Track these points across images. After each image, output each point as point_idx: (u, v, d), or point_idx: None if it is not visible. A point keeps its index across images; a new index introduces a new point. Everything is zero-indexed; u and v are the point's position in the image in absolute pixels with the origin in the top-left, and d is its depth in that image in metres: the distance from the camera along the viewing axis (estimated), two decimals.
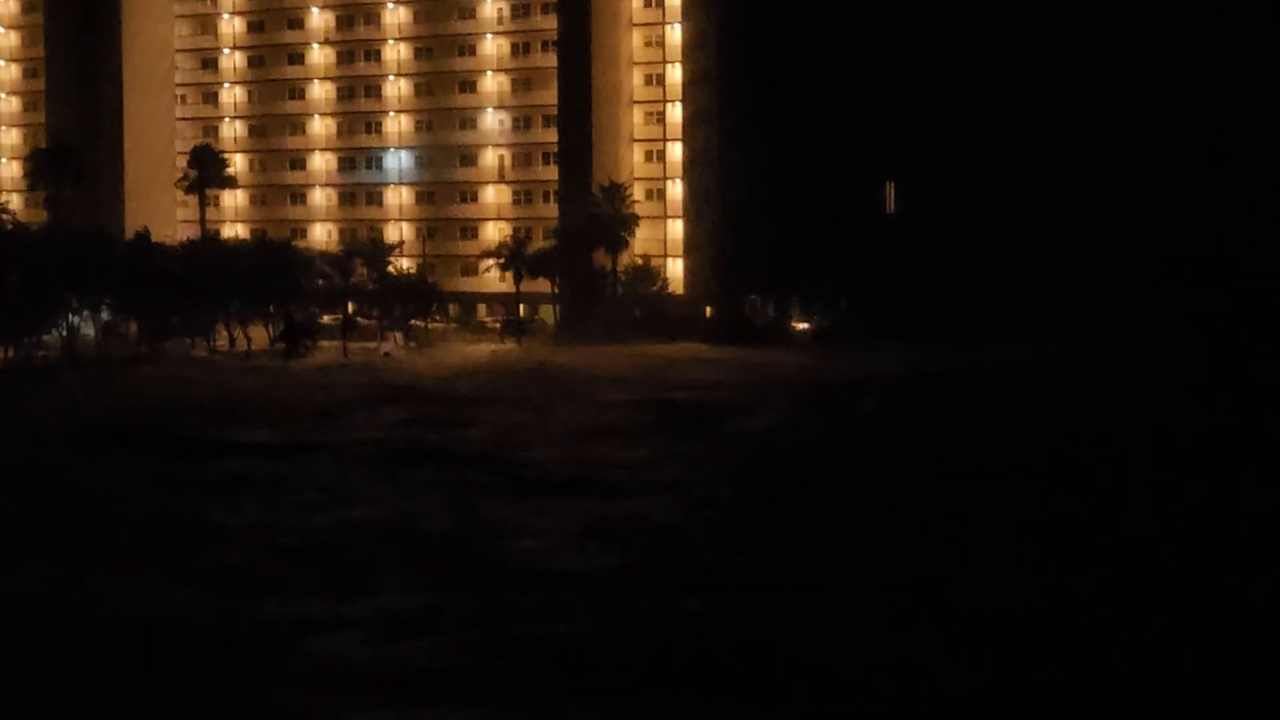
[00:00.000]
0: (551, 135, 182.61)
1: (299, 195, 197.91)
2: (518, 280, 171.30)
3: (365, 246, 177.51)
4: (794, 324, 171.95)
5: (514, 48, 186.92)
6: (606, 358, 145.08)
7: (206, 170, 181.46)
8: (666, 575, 57.28)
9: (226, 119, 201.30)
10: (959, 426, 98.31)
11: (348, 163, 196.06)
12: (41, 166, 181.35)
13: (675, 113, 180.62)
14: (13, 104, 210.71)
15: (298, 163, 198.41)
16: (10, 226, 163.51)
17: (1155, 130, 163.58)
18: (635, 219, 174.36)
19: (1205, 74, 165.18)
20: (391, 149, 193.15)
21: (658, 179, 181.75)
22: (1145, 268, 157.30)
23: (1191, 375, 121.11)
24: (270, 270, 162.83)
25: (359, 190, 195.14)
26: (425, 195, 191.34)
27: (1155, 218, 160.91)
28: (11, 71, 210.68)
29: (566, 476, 79.13)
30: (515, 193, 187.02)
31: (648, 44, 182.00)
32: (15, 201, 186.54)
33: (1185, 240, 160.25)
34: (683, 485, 77.00)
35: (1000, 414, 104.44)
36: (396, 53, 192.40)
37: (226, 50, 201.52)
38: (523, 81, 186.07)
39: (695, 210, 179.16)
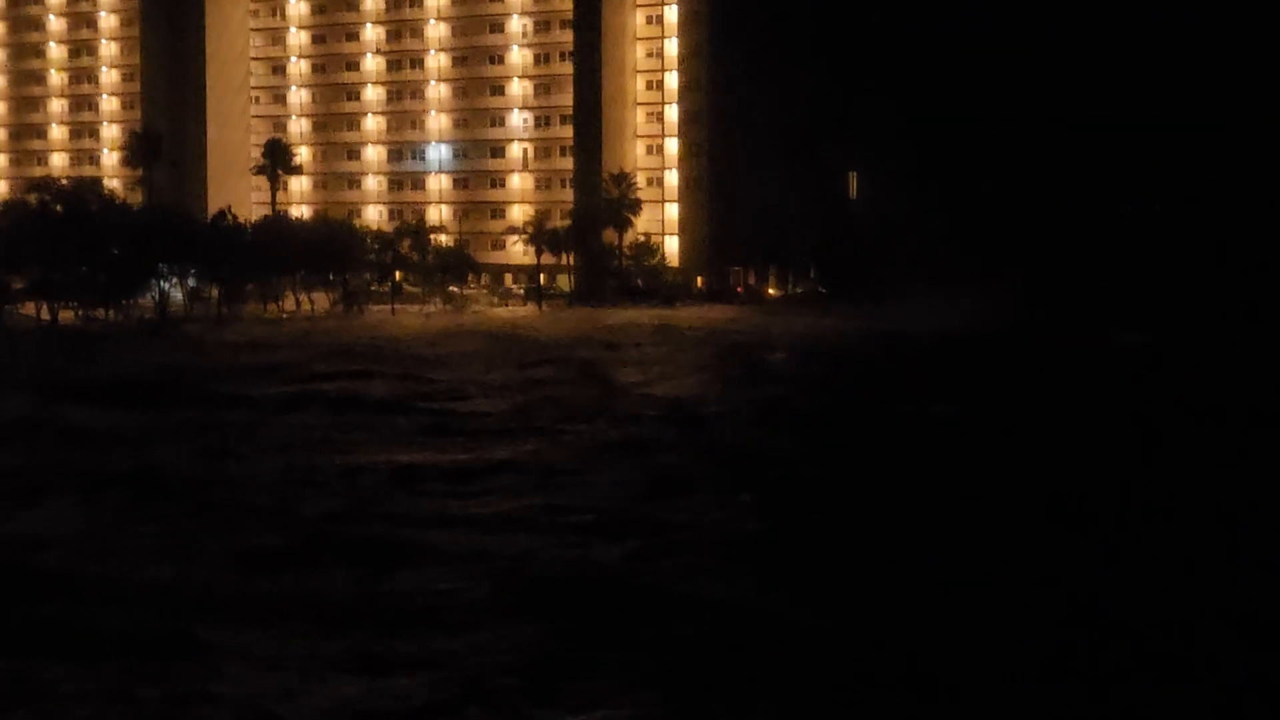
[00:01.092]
0: (567, 131, 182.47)
1: (354, 181, 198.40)
2: (539, 254, 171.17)
3: (410, 225, 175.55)
4: (769, 290, 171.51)
5: (536, 57, 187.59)
6: (591, 319, 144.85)
7: (276, 160, 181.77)
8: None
9: (294, 117, 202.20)
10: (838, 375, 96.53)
11: (395, 154, 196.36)
12: (135, 152, 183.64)
13: (672, 113, 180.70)
14: (113, 104, 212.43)
15: (353, 154, 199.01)
16: (107, 205, 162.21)
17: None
18: (638, 203, 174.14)
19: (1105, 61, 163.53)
20: (433, 142, 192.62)
21: (657, 169, 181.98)
22: (1053, 241, 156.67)
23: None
24: (330, 245, 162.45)
25: (405, 177, 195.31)
26: (461, 182, 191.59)
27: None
28: (112, 76, 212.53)
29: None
30: (537, 180, 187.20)
31: (649, 55, 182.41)
32: (116, 185, 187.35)
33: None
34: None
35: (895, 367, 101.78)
36: (437, 61, 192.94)
37: (294, 59, 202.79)
38: (544, 86, 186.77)
39: (688, 196, 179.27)
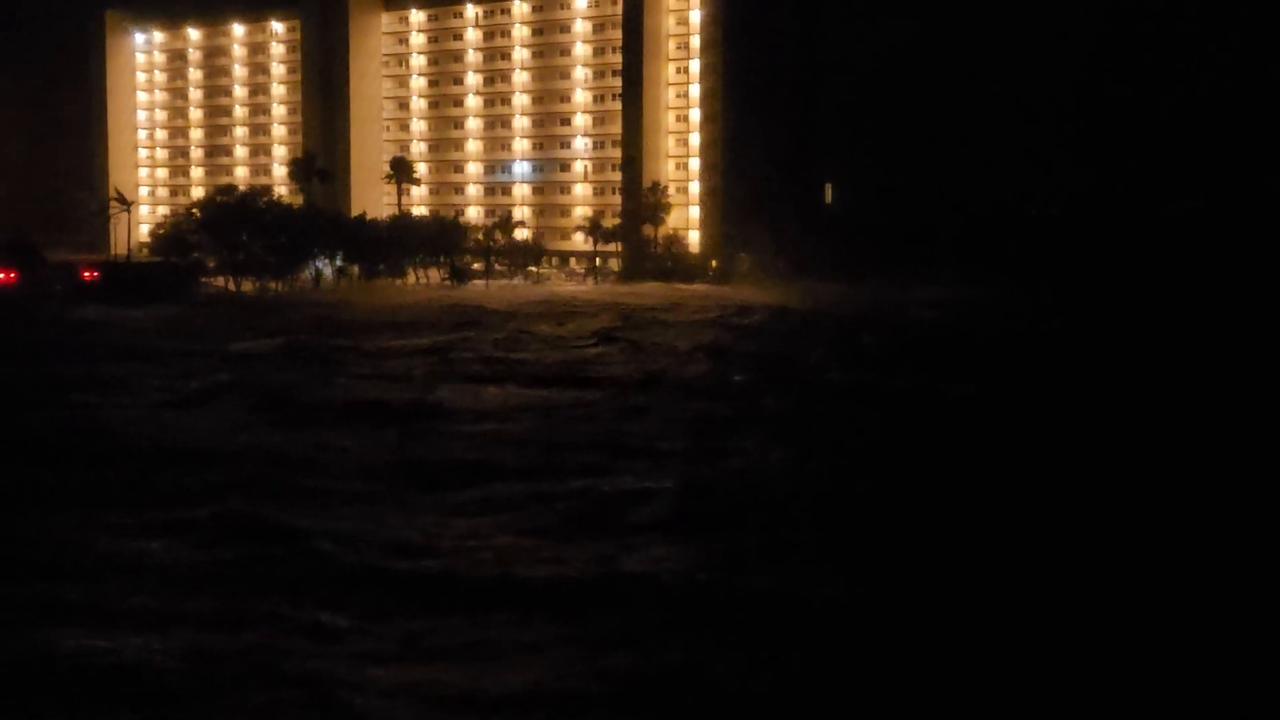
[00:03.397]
0: (617, 153, 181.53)
1: (459, 189, 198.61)
2: (595, 243, 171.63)
3: (500, 221, 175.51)
4: (765, 271, 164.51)
5: (594, 97, 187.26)
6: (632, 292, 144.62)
7: (401, 172, 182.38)
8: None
9: (414, 141, 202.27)
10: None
11: (490, 169, 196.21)
12: (297, 169, 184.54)
13: (694, 140, 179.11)
14: (281, 131, 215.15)
15: (459, 168, 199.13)
16: (274, 205, 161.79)
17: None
18: (668, 206, 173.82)
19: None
20: (517, 160, 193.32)
21: (683, 181, 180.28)
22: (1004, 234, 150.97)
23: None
24: (440, 235, 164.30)
25: (497, 186, 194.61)
26: (537, 189, 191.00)
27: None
28: (280, 112, 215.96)
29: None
30: (594, 188, 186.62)
31: (677, 96, 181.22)
32: (283, 191, 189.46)
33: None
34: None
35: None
36: (521, 100, 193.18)
37: (415, 98, 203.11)
38: (599, 119, 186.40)
39: (706, 201, 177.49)
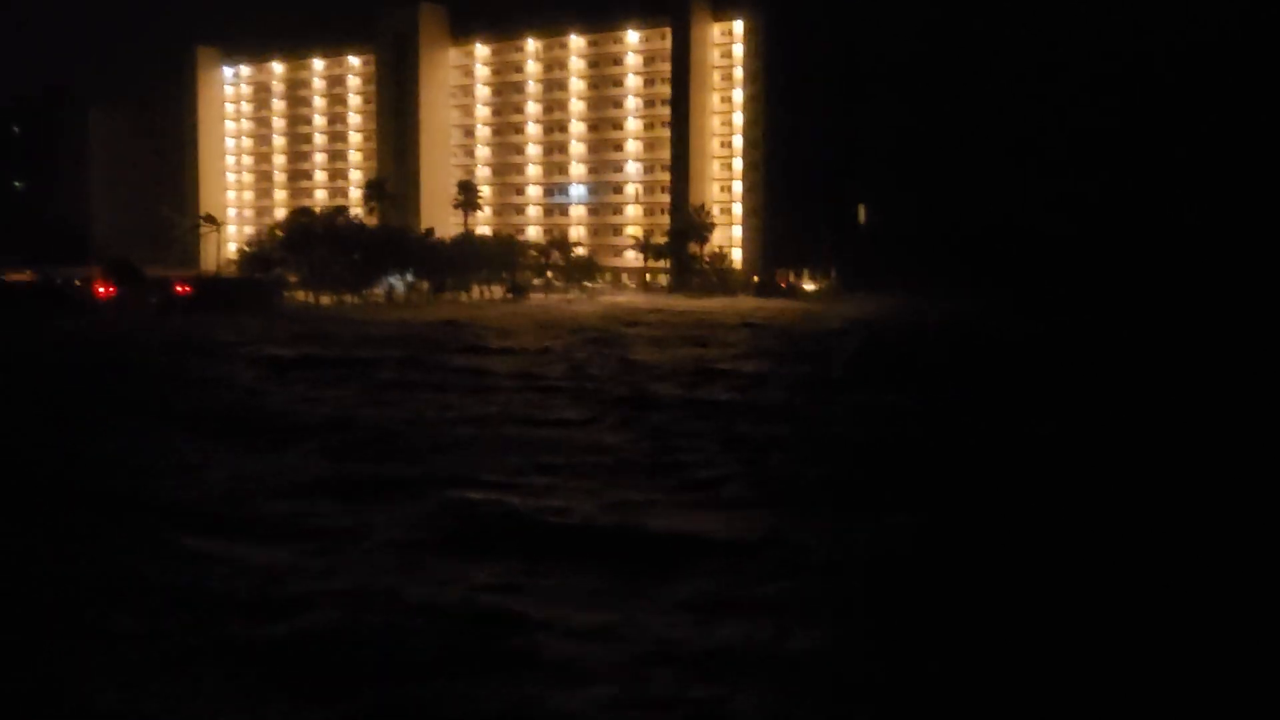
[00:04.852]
0: (665, 176, 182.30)
1: (520, 210, 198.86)
2: (645, 259, 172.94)
3: (557, 240, 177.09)
4: (804, 285, 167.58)
5: (645, 125, 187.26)
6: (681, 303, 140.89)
7: (467, 195, 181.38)
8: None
9: (479, 165, 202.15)
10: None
11: (549, 191, 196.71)
12: (369, 191, 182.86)
13: (737, 164, 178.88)
14: (357, 157, 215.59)
15: (520, 191, 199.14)
16: (350, 225, 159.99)
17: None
18: (713, 226, 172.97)
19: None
20: (574, 183, 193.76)
21: (726, 202, 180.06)
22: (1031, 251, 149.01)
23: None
24: (503, 253, 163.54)
25: (555, 207, 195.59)
26: (592, 210, 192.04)
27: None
28: (356, 139, 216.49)
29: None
30: (644, 209, 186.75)
31: (722, 124, 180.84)
32: (359, 212, 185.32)
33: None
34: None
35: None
36: (578, 127, 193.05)
37: (480, 126, 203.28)
38: (649, 145, 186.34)
39: (748, 220, 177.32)
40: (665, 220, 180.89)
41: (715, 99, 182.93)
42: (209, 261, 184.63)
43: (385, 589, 24.02)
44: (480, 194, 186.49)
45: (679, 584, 25.06)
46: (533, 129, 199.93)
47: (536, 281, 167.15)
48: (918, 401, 50.47)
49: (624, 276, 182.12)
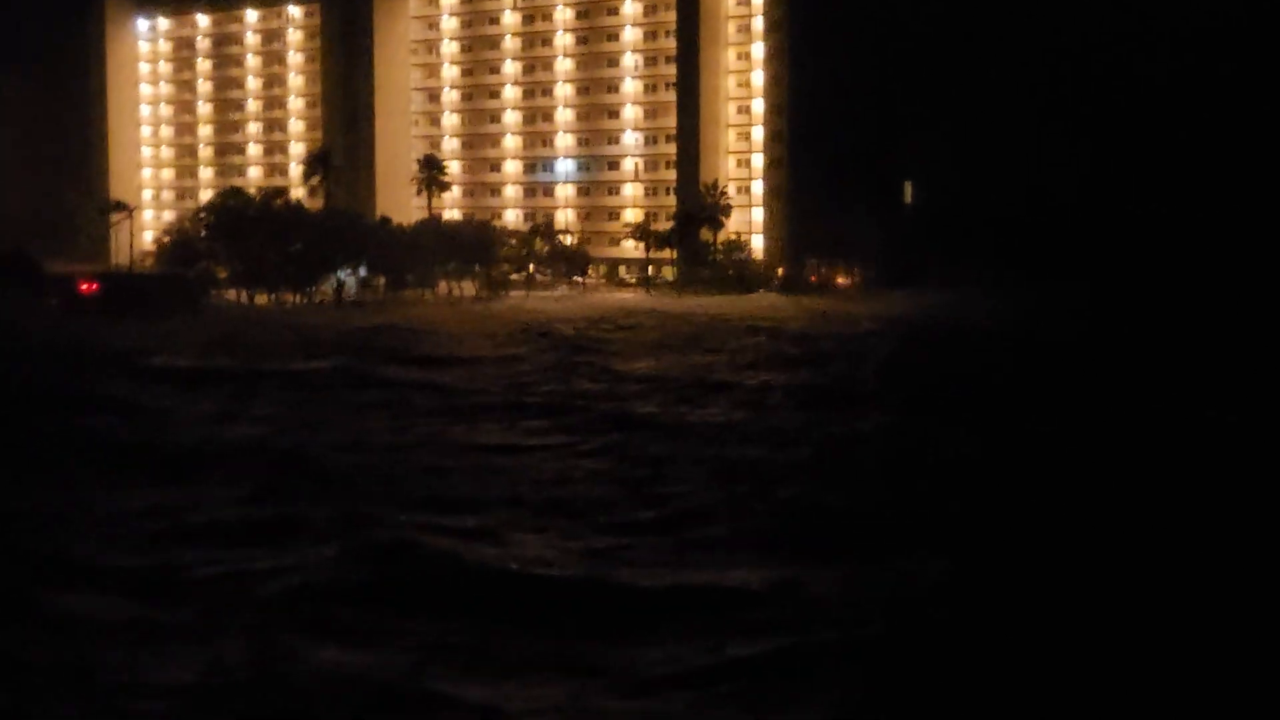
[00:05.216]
0: (671, 149, 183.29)
1: (496, 190, 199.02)
2: (647, 249, 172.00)
3: (541, 226, 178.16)
4: (838, 279, 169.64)
5: (646, 87, 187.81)
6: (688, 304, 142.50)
7: (432, 173, 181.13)
8: None
9: (446, 136, 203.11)
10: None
11: (530, 167, 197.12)
12: (311, 167, 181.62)
13: (757, 133, 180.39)
14: (299, 126, 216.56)
15: (496, 167, 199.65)
16: (289, 209, 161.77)
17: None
18: (728, 208, 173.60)
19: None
20: (561, 157, 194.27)
21: (744, 179, 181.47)
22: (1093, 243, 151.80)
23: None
24: (476, 242, 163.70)
25: (537, 186, 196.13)
26: (583, 190, 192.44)
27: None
28: (298, 104, 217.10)
29: None
30: (646, 188, 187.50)
31: (738, 85, 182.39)
32: (301, 194, 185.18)
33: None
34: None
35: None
36: (564, 90, 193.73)
37: (447, 89, 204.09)
38: (652, 111, 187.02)
39: (770, 202, 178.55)
40: (671, 202, 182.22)
41: (731, 55, 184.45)
42: (122, 254, 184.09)
43: (271, 659, 23.32)
44: (447, 171, 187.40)
45: (650, 650, 24.54)
46: (510, 93, 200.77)
47: (516, 276, 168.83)
48: (960, 422, 50.76)
49: (622, 270, 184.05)
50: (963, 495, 34.76)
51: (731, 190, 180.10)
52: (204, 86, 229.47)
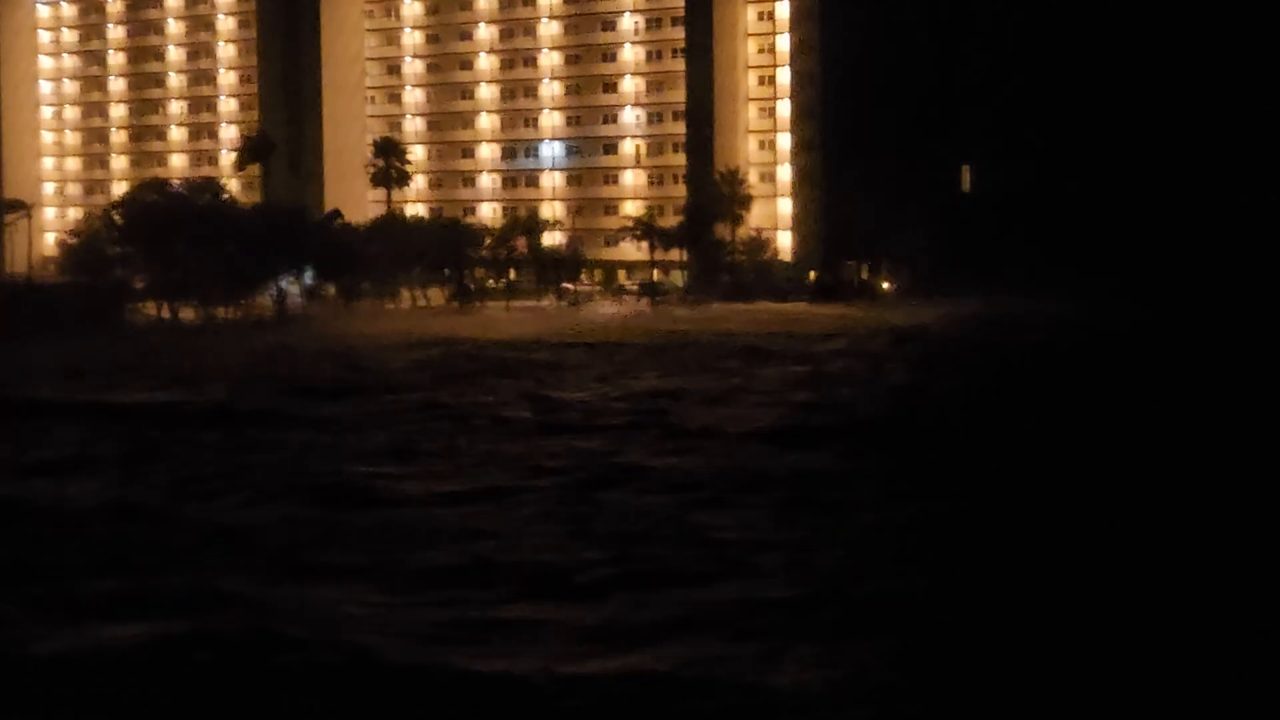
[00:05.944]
0: (680, 128, 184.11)
1: (469, 179, 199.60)
2: (651, 250, 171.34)
3: (524, 222, 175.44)
4: (883, 284, 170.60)
5: (649, 54, 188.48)
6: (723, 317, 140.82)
7: (390, 159, 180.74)
8: None
9: (409, 116, 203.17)
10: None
11: (510, 152, 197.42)
12: (248, 154, 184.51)
13: (784, 108, 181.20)
14: (231, 105, 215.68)
15: (468, 152, 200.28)
16: (220, 205, 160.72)
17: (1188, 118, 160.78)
18: (749, 198, 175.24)
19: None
20: (547, 140, 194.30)
21: (769, 164, 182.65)
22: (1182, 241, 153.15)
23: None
24: (444, 243, 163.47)
25: (519, 175, 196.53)
26: (574, 179, 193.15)
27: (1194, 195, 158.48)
28: (230, 78, 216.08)
29: None
30: (650, 176, 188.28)
31: (760, 50, 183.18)
32: (235, 186, 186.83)
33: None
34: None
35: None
36: (550, 59, 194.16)
37: (408, 58, 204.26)
38: (656, 83, 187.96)
39: (800, 191, 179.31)
40: (680, 193, 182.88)
41: (750, 15, 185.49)
42: (16, 262, 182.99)
43: None
44: (410, 158, 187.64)
45: None
46: (486, 63, 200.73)
47: (494, 283, 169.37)
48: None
49: (621, 275, 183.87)
50: None
51: (753, 178, 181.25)
52: (116, 59, 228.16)
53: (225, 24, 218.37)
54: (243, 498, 46.25)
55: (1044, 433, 58.93)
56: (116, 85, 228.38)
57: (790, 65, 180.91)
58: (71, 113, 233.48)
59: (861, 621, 30.73)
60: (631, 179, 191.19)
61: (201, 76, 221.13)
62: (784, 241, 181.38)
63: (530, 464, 52.01)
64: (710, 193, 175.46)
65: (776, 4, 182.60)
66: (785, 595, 32.32)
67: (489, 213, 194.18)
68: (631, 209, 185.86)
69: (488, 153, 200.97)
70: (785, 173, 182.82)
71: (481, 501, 45.30)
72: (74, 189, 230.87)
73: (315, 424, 64.17)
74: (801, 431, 59.82)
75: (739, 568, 35.36)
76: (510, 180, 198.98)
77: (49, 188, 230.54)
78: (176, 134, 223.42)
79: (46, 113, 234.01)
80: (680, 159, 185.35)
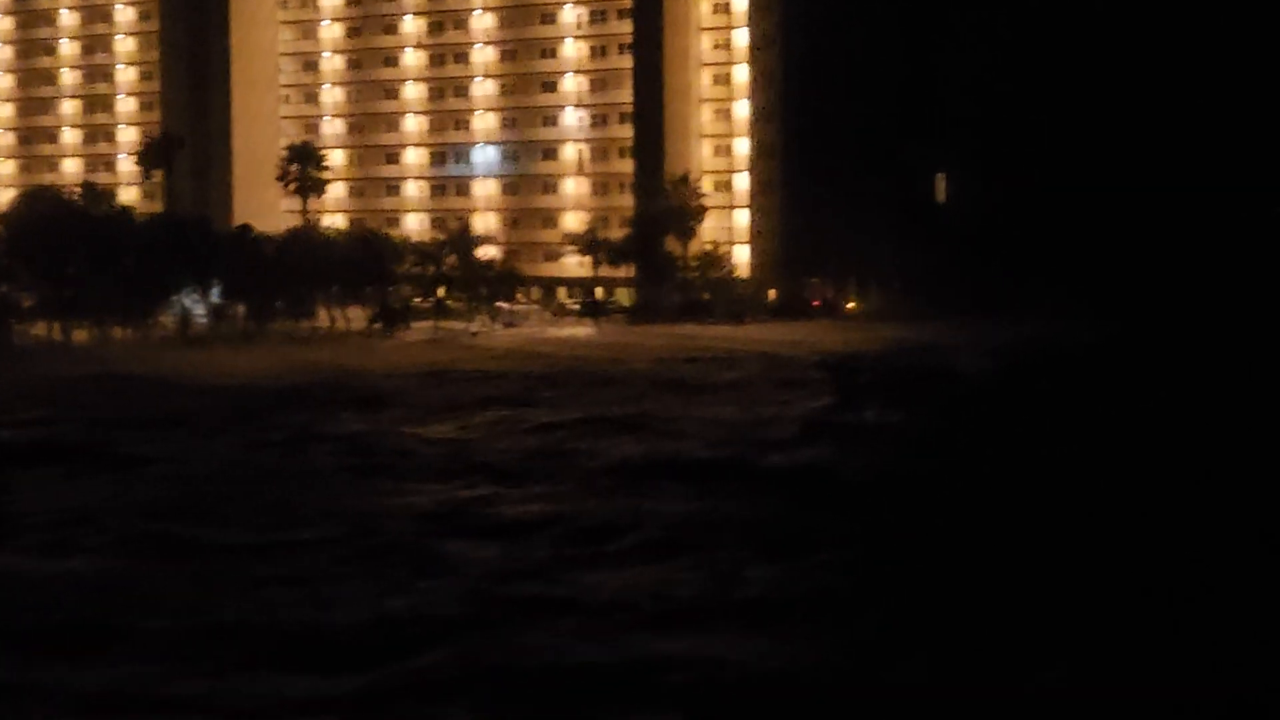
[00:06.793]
0: (627, 131, 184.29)
1: (394, 187, 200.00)
2: (595, 265, 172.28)
3: (454, 235, 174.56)
4: (849, 304, 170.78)
5: (592, 50, 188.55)
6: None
7: (305, 165, 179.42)
8: None
9: (327, 117, 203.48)
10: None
11: (439, 157, 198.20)
12: (149, 158, 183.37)
13: (741, 110, 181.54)
14: (130, 104, 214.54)
15: (392, 157, 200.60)
16: (115, 215, 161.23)
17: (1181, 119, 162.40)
18: (703, 209, 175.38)
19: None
20: (479, 144, 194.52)
21: (725, 172, 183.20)
22: (1168, 254, 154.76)
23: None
24: (366, 258, 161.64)
25: (449, 182, 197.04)
26: (510, 187, 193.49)
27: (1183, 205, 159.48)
28: (129, 74, 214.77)
29: None
30: (593, 185, 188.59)
31: (716, 46, 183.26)
32: (134, 193, 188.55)
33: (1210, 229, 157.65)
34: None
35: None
36: (484, 54, 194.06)
37: (327, 54, 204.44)
38: (600, 82, 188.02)
39: (759, 201, 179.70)
40: (627, 203, 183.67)
41: (704, 7, 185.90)
42: None
43: None
44: (327, 163, 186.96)
45: None
46: (412, 59, 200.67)
47: (421, 302, 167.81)
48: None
49: (562, 293, 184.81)
50: None
51: (707, 186, 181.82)
52: (2, 53, 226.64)
53: (124, 15, 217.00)
54: None
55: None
56: (3, 82, 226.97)
57: (749, 62, 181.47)
58: None
59: None
60: (573, 187, 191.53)
61: (97, 73, 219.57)
62: (741, 256, 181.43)
63: None
64: (660, 203, 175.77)
65: None
66: None
67: (415, 224, 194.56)
68: (573, 221, 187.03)
69: (414, 158, 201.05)
70: (743, 181, 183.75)
71: None
72: None
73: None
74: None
75: None
76: (439, 188, 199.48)
77: None
78: (70, 136, 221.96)
79: None
80: (627, 165, 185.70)
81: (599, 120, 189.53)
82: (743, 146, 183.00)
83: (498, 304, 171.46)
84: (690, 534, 48.96)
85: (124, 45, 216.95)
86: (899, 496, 56.99)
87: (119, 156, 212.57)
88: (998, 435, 74.25)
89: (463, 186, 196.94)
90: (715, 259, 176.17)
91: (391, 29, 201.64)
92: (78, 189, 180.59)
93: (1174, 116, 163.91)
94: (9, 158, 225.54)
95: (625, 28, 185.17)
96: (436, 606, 40.72)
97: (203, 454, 70.61)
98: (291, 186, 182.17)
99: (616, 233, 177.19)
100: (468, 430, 78.32)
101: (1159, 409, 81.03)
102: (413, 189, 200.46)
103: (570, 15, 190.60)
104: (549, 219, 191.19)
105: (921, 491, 57.55)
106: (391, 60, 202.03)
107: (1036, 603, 39.27)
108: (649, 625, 38.46)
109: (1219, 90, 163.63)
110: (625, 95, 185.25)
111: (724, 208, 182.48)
